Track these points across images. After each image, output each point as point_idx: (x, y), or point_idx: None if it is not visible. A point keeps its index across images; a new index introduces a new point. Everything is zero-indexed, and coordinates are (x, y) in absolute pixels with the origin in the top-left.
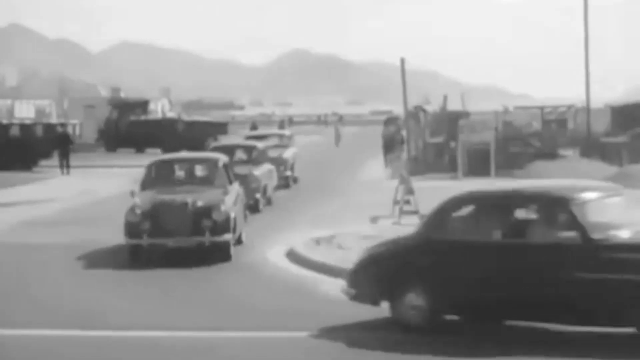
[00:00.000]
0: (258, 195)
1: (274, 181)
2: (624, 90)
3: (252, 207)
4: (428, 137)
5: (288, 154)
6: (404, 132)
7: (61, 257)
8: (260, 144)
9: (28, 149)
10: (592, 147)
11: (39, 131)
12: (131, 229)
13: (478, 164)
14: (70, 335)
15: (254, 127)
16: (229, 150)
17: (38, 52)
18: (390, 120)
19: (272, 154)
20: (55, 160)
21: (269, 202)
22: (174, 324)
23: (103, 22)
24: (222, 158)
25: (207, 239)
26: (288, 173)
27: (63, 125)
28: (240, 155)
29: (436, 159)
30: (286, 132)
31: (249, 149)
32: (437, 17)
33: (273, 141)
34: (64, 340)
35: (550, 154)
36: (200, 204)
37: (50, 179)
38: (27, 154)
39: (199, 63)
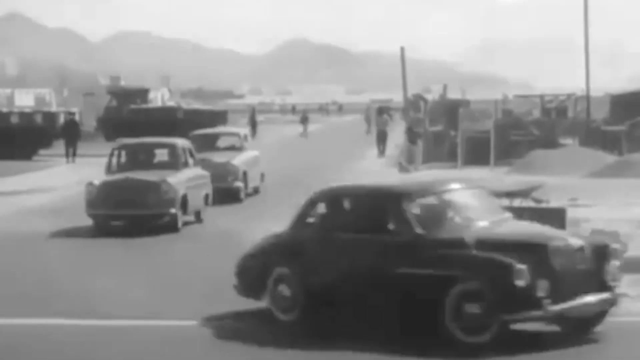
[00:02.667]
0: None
1: (200, 193)
2: (627, 77)
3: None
4: (428, 126)
5: (240, 159)
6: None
7: (54, 246)
8: (242, 131)
9: (28, 138)
10: (592, 136)
11: (39, 120)
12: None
13: (478, 153)
14: (59, 323)
15: (253, 116)
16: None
17: (38, 42)
18: (383, 110)
19: (218, 158)
20: (56, 149)
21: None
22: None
23: (103, 11)
24: (181, 143)
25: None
26: (238, 184)
27: (71, 113)
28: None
29: (436, 148)
30: (241, 131)
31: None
32: (438, 5)
33: (226, 142)
34: (50, 329)
35: (550, 143)
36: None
37: (50, 167)
38: (27, 143)
39: (199, 52)
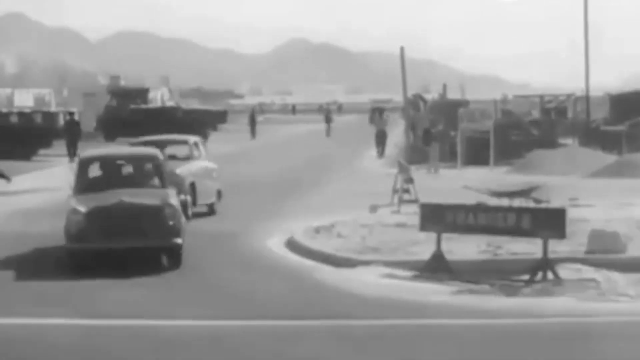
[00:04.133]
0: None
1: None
2: (626, 76)
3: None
4: (427, 126)
5: (186, 169)
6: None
7: (47, 246)
8: (192, 138)
9: (28, 138)
10: (592, 136)
11: (39, 120)
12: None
13: (477, 153)
14: (52, 323)
15: (252, 116)
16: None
17: (37, 41)
18: (378, 110)
19: None
20: (55, 149)
21: None
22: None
23: (103, 10)
24: (159, 154)
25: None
26: (182, 197)
27: (71, 113)
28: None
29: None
30: (192, 138)
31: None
32: (437, 5)
33: (178, 151)
34: (45, 329)
35: (550, 143)
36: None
37: (49, 168)
38: (26, 143)
39: (199, 51)
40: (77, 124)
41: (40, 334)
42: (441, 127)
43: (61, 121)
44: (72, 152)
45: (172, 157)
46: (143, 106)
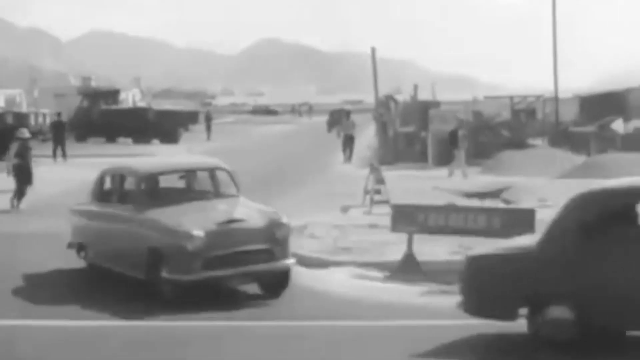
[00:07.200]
0: None
1: None
2: (595, 77)
3: None
4: (398, 127)
5: None
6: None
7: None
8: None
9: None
10: (561, 137)
11: (10, 120)
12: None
13: (448, 154)
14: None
15: (208, 117)
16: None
17: (8, 41)
18: (338, 112)
19: None
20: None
21: None
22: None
23: (74, 10)
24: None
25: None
26: None
27: (59, 114)
28: None
29: (407, 149)
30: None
31: None
32: (409, 5)
33: None
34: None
35: (519, 144)
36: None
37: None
38: None
39: (171, 52)
40: (64, 124)
41: None
42: (463, 130)
43: (32, 122)
44: (59, 153)
45: None
46: (114, 107)
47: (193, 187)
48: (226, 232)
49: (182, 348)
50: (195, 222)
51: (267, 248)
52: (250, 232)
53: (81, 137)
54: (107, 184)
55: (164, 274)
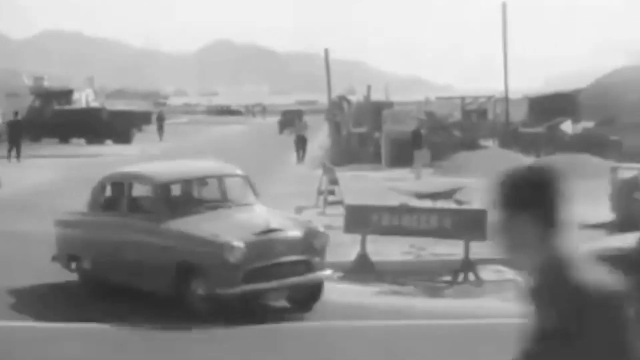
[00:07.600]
0: None
1: None
2: (544, 78)
3: None
4: (352, 127)
5: None
6: (422, 130)
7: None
8: None
9: None
10: (511, 138)
11: None
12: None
13: (401, 155)
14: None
15: (160, 117)
16: None
17: None
18: (290, 113)
19: None
20: None
21: None
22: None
23: (27, 9)
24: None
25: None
26: None
27: (16, 113)
28: None
29: (360, 149)
30: None
31: None
32: (362, 6)
33: None
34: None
35: (471, 144)
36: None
37: None
38: None
39: (125, 51)
40: (21, 124)
41: None
42: (425, 130)
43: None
44: (13, 153)
45: None
46: (67, 107)
47: (202, 195)
48: (265, 242)
49: None
50: (232, 232)
51: (305, 259)
52: (288, 242)
53: (34, 138)
54: (109, 192)
55: (198, 289)
